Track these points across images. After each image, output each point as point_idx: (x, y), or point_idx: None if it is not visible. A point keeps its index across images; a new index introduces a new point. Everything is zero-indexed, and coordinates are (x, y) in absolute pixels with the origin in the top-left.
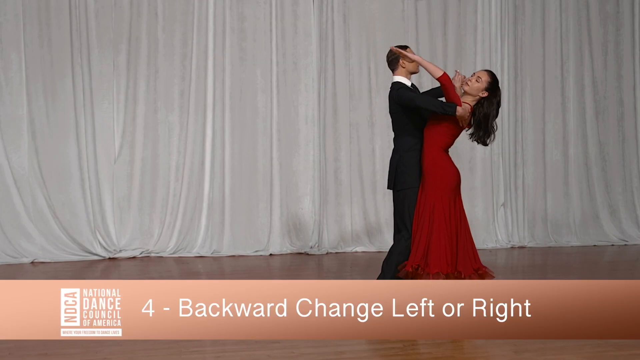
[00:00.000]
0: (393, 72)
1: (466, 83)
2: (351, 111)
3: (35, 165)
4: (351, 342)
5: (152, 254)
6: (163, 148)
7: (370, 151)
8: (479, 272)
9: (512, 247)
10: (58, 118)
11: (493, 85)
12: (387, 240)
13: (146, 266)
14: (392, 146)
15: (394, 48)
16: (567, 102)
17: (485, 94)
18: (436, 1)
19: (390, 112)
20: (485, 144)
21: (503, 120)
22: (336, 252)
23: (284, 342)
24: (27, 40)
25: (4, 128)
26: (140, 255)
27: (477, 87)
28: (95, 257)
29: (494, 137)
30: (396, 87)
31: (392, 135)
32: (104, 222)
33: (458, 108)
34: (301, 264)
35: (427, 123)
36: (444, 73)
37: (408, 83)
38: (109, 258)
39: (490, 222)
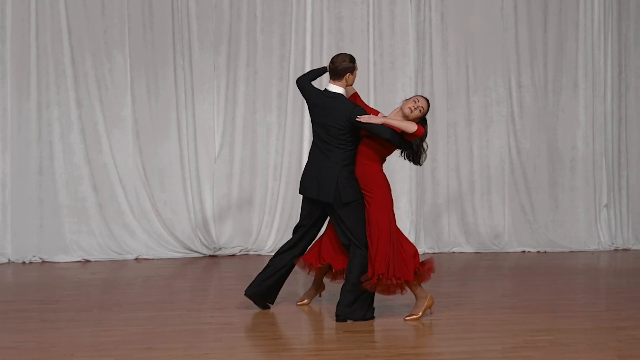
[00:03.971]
0: (335, 79)
1: (410, 109)
2: (448, 110)
3: (139, 165)
4: (451, 343)
5: (251, 252)
6: (261, 148)
7: (468, 151)
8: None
9: (615, 250)
10: (160, 118)
11: (426, 114)
12: (484, 241)
13: (245, 264)
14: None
15: (362, 119)
16: None
17: (418, 120)
18: None
19: (327, 123)
20: (417, 163)
21: (606, 119)
22: (433, 253)
23: (380, 341)
24: (132, 43)
25: (110, 128)
26: (239, 253)
27: (417, 117)
28: (197, 255)
29: (426, 157)
30: (349, 104)
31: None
32: (205, 220)
33: (416, 132)
34: None
35: (362, 139)
36: (419, 126)
37: (344, 92)
38: (210, 255)
39: (592, 224)
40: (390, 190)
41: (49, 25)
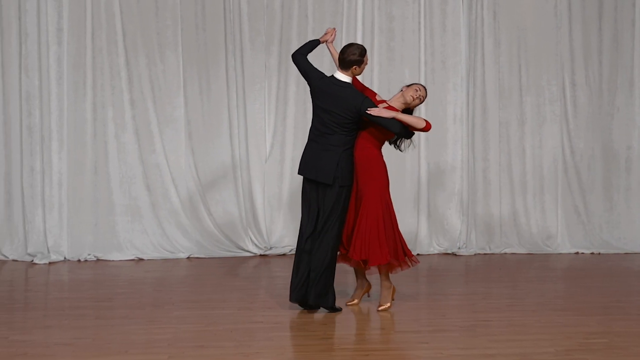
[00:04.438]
0: (343, 69)
1: (412, 97)
2: (501, 110)
3: (191, 164)
4: (502, 344)
5: None
6: None
7: (521, 150)
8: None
9: None
10: (212, 119)
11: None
12: (537, 242)
13: None
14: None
15: (372, 111)
16: None
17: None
18: None
19: (335, 110)
20: (400, 150)
21: None
22: (484, 254)
23: (432, 342)
24: (184, 44)
25: (163, 128)
26: (290, 253)
27: (416, 105)
28: (247, 254)
29: (410, 144)
30: (359, 96)
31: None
32: (256, 219)
33: (425, 125)
34: (448, 265)
35: (365, 125)
36: (427, 122)
37: (349, 80)
38: (260, 255)
39: None
40: (387, 172)
41: (104, 27)
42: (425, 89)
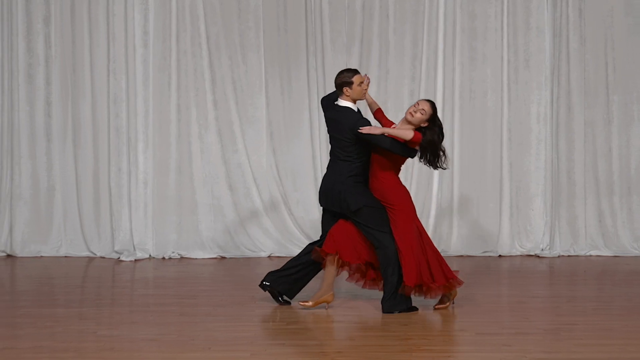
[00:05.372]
0: (338, 93)
1: (410, 114)
2: (586, 109)
3: (272, 164)
4: (587, 349)
5: None
6: None
7: (607, 150)
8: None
9: None
10: (293, 119)
11: (433, 116)
12: (624, 244)
13: None
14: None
15: (363, 130)
16: None
17: (426, 124)
18: None
19: (336, 135)
20: (436, 168)
21: None
22: (568, 256)
23: (515, 345)
24: (266, 46)
25: (245, 129)
26: None
27: (420, 119)
28: None
29: (446, 159)
30: (354, 116)
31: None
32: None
33: (415, 145)
34: (531, 267)
35: (375, 151)
36: (415, 132)
37: (355, 108)
38: None
39: None
40: (410, 197)
41: (189, 29)
42: (428, 101)
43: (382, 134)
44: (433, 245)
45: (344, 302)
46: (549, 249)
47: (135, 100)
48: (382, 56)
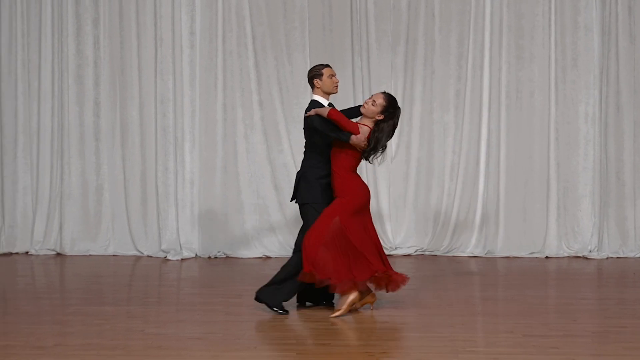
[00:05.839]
0: (312, 90)
1: (363, 106)
2: (636, 109)
3: None
4: (637, 352)
5: (426, 252)
6: (438, 148)
7: None
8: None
9: None
10: None
11: (388, 109)
12: None
13: (420, 265)
14: None
15: (313, 111)
16: None
17: (381, 117)
18: None
19: (303, 128)
20: (367, 159)
21: None
22: (617, 257)
23: (563, 347)
24: (312, 46)
25: (290, 129)
26: (414, 253)
27: (373, 111)
28: None
29: (381, 156)
30: (309, 106)
31: None
32: (381, 219)
33: (352, 137)
34: (579, 269)
35: (332, 146)
36: (330, 110)
37: (325, 102)
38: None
39: None
40: (365, 195)
41: (235, 30)
42: (383, 93)
43: (316, 115)
44: (377, 239)
45: (390, 303)
46: (597, 250)
47: (182, 101)
48: (428, 56)
